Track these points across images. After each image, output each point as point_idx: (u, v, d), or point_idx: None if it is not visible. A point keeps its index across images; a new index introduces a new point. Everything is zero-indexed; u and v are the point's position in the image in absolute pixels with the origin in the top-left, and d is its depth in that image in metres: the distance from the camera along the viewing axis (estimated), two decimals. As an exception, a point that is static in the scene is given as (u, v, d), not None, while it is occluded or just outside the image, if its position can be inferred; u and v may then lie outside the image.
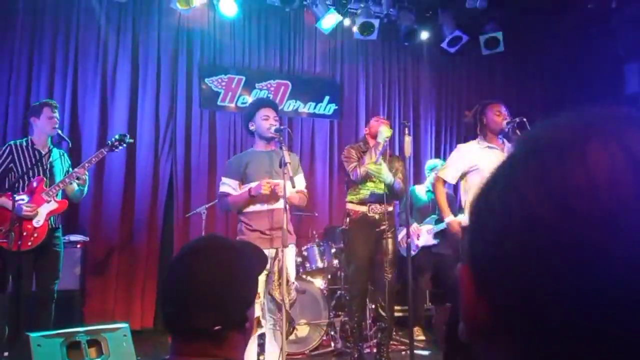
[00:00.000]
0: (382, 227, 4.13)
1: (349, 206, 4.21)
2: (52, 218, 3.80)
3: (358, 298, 4.19)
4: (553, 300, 0.36)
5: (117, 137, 4.02)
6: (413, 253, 5.09)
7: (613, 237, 0.35)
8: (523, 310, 0.38)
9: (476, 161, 3.74)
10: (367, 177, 4.08)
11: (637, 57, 6.58)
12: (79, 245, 4.72)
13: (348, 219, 4.19)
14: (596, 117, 0.41)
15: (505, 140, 3.89)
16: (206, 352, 1.12)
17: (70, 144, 4.07)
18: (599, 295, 0.35)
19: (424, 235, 5.11)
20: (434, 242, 5.07)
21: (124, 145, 4.05)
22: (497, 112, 3.83)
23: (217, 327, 1.10)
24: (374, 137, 4.12)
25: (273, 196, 3.36)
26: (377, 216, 4.12)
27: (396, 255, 4.21)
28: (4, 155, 3.78)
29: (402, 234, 5.08)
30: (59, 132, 3.88)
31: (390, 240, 4.17)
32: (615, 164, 0.36)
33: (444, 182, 3.98)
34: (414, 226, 5.08)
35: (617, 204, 0.35)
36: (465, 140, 6.67)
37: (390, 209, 4.22)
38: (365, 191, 4.13)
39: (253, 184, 3.37)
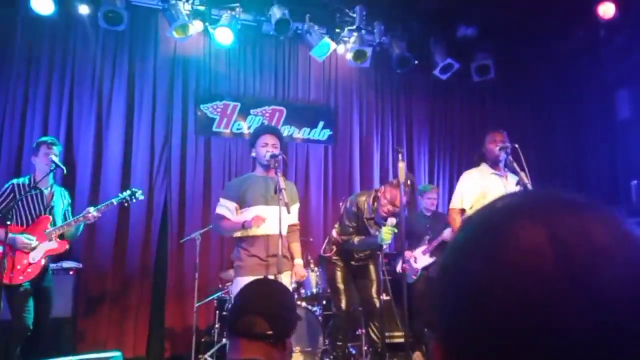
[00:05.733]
0: (364, 256, 4.27)
1: (336, 237, 4.25)
2: (47, 257, 3.81)
3: (343, 329, 4.27)
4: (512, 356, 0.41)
5: (129, 192, 4.11)
6: (414, 277, 5.10)
7: (539, 305, 0.39)
8: None
9: (483, 187, 3.76)
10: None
11: (627, 83, 6.69)
12: (71, 272, 4.69)
13: (335, 248, 4.25)
14: (527, 202, 0.45)
15: (507, 170, 3.92)
16: (257, 352, 1.56)
17: (65, 171, 4.07)
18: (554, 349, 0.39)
19: (420, 257, 5.15)
20: (432, 260, 5.10)
21: (134, 200, 4.12)
22: (492, 140, 3.89)
23: (269, 332, 1.56)
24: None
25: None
26: (362, 255, 4.28)
27: (381, 280, 4.25)
28: (5, 194, 3.79)
29: (400, 262, 5.11)
30: (55, 160, 3.89)
31: (372, 267, 4.28)
32: (541, 246, 0.40)
33: (462, 211, 3.95)
34: (407, 252, 5.08)
35: (541, 281, 0.40)
36: (460, 165, 6.74)
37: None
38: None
39: (249, 215, 3.40)
